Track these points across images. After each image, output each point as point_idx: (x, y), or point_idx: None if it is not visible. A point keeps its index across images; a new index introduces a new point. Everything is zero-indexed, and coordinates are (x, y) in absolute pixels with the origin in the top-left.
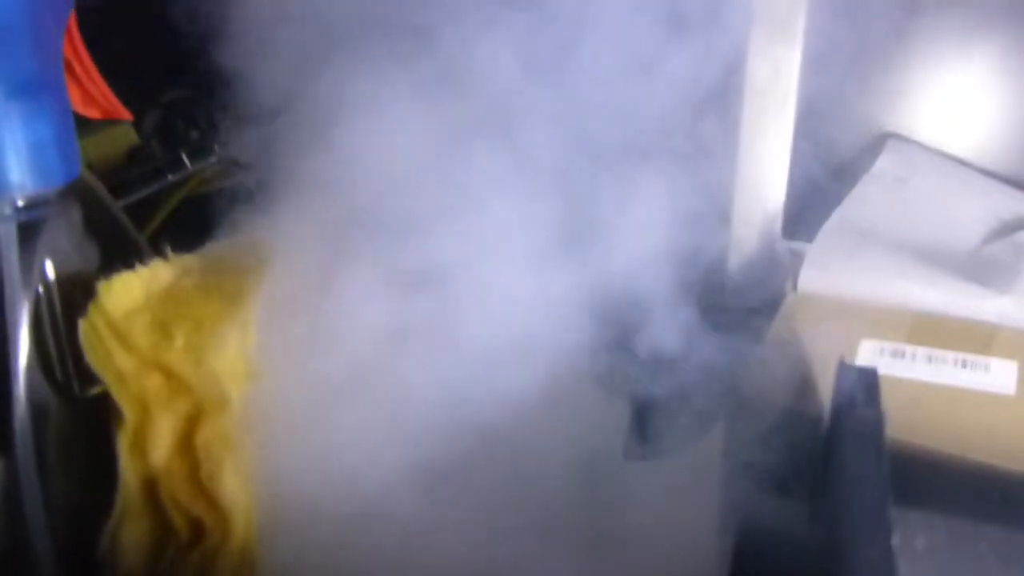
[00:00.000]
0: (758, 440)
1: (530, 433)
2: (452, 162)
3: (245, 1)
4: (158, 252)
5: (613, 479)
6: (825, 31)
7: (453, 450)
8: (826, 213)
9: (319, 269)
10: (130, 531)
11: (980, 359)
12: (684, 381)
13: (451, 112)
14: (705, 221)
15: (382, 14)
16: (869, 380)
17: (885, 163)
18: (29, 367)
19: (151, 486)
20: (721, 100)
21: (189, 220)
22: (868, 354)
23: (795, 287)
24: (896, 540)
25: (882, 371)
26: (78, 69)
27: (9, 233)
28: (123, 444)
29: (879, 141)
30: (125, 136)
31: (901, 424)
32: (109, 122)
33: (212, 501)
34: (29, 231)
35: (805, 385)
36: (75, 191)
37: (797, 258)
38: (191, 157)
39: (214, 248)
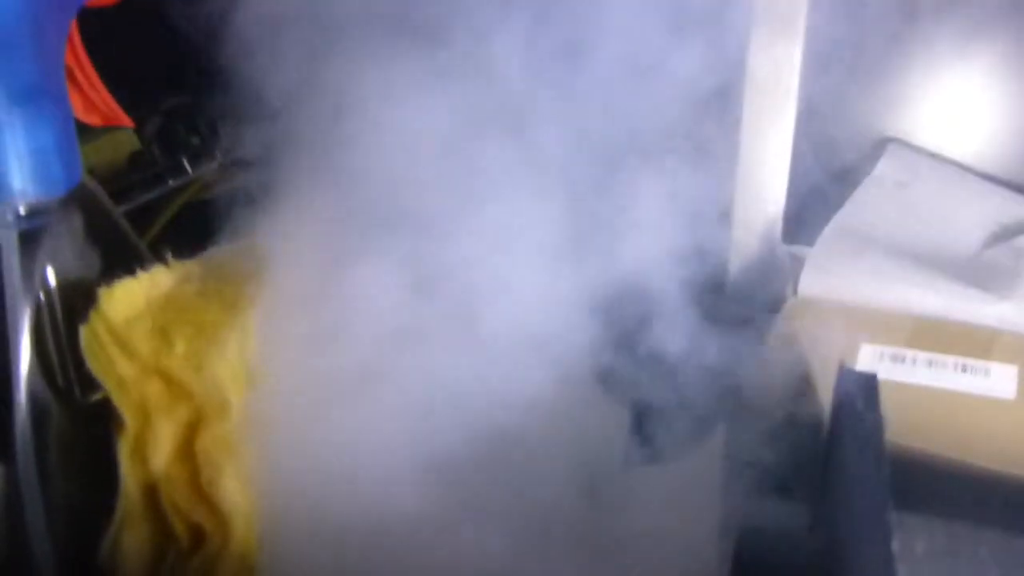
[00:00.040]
0: (758, 444)
1: (531, 436)
2: (451, 166)
3: (245, 7)
4: (159, 258)
5: (614, 482)
6: (825, 36)
7: (454, 455)
8: (826, 217)
9: (320, 273)
10: (131, 537)
11: (980, 363)
12: (685, 385)
13: (450, 116)
14: (705, 225)
15: (382, 17)
16: (869, 384)
17: (885, 167)
18: (30, 373)
19: (152, 492)
20: (721, 104)
21: (190, 225)
22: (868, 358)
23: (795, 291)
24: (896, 544)
25: (882, 375)
26: (80, 76)
27: (11, 240)
28: (124, 450)
29: (879, 146)
30: (126, 141)
31: (901, 428)
32: (110, 128)
33: (212, 507)
34: (31, 238)
35: (805, 389)
36: (76, 197)
37: (797, 262)
38: (192, 162)
39: (215, 254)
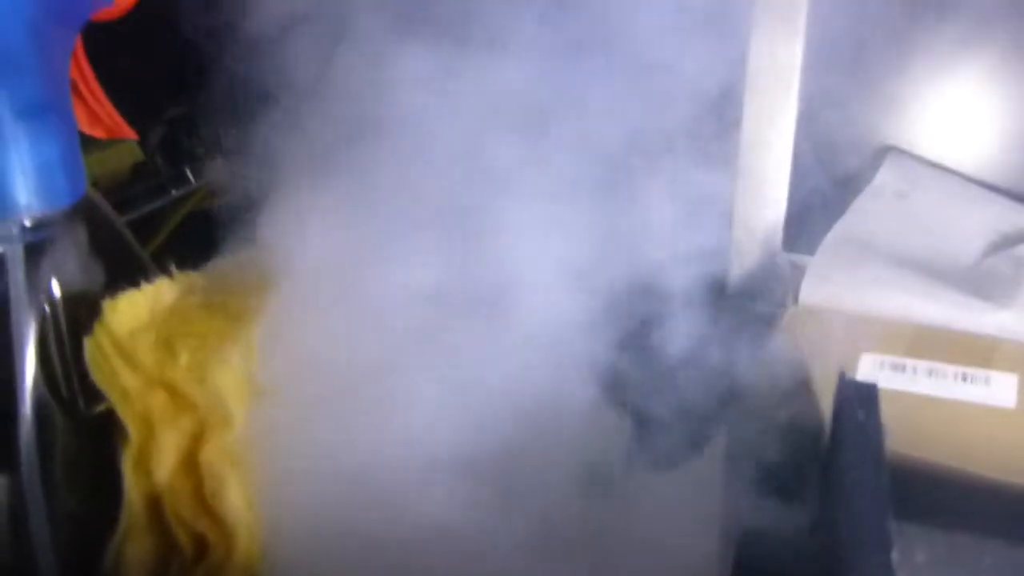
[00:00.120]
0: (759, 453)
1: (533, 442)
2: (451, 170)
3: (247, 18)
4: (163, 268)
5: (615, 489)
6: (826, 46)
7: (456, 463)
8: (827, 226)
9: (324, 282)
10: (134, 548)
11: (981, 372)
12: (685, 392)
13: (451, 120)
14: (706, 234)
15: (384, 23)
16: (869, 393)
17: (885, 176)
18: (35, 384)
19: (155, 503)
20: (722, 114)
21: (193, 234)
22: (869, 367)
23: (796, 300)
24: (896, 554)
25: (882, 384)
26: (84, 90)
27: (16, 253)
28: (128, 461)
29: (879, 155)
30: (129, 152)
31: (901, 437)
32: (113, 139)
33: (216, 518)
34: (36, 251)
35: (805, 398)
36: (81, 209)
37: (798, 271)
38: (195, 172)
39: (218, 266)
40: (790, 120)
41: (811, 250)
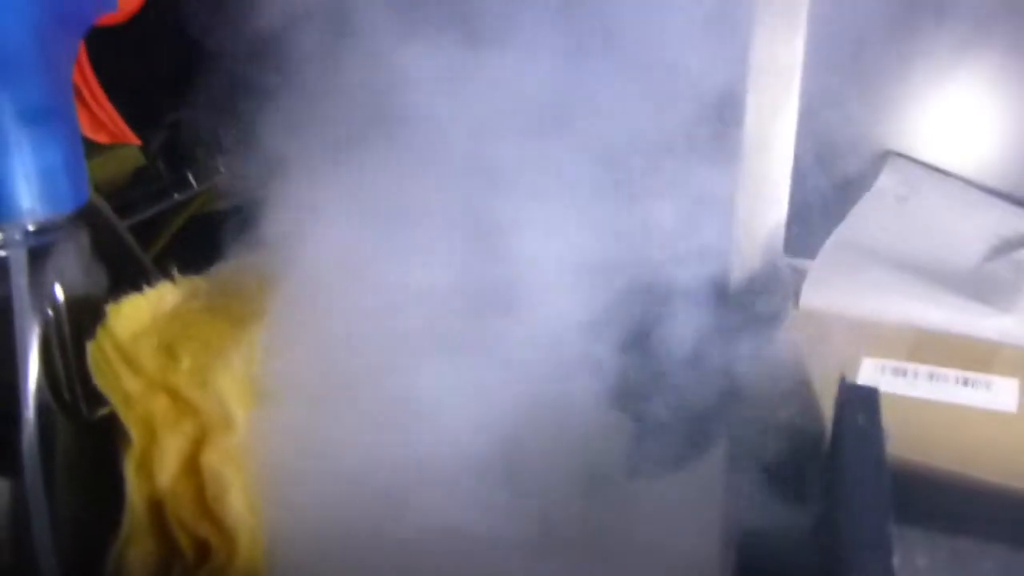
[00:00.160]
0: (760, 456)
1: (534, 444)
2: (451, 175)
3: (249, 21)
4: (164, 272)
5: (616, 492)
6: (826, 50)
7: (457, 467)
8: (828, 231)
9: (325, 286)
10: (136, 552)
11: (981, 377)
12: (686, 396)
13: (451, 123)
14: (706, 238)
15: (385, 25)
16: (870, 398)
17: (886, 181)
18: (38, 389)
19: (157, 507)
20: (722, 117)
21: (195, 238)
22: (869, 372)
23: (797, 304)
24: (897, 558)
25: (883, 389)
26: (86, 94)
27: (19, 258)
28: (130, 465)
29: (880, 159)
30: (131, 156)
31: (902, 441)
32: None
33: (218, 522)
34: (39, 256)
35: (806, 402)
36: (83, 214)
37: (799, 275)
38: (197, 176)
39: (220, 270)
40: (791, 122)
41: (812, 254)
